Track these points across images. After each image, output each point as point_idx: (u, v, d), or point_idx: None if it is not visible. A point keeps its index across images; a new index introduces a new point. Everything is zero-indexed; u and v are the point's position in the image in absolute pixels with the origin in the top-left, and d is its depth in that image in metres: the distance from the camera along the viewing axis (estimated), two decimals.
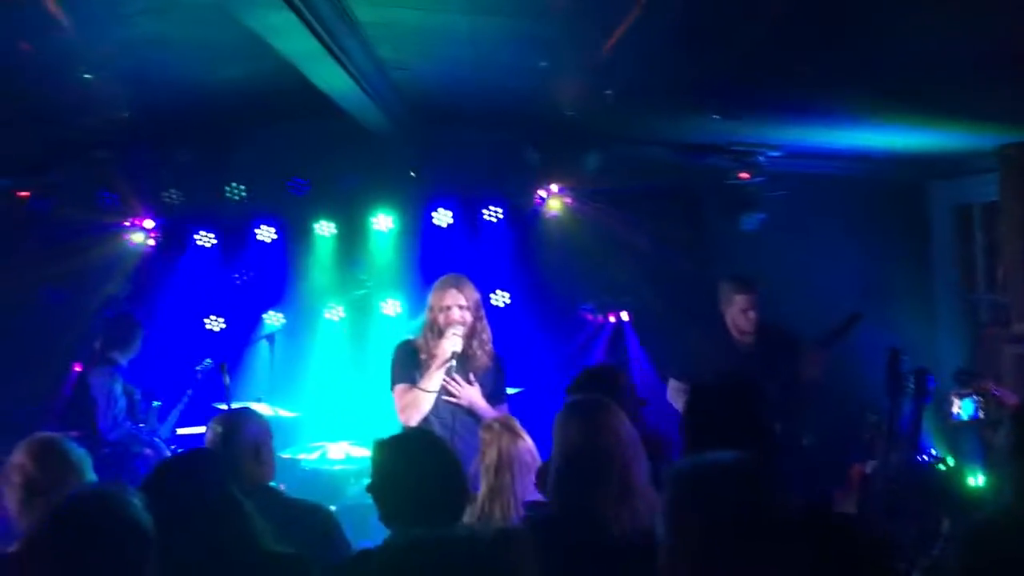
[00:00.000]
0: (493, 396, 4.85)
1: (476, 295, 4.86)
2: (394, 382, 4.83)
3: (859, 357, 5.79)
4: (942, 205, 7.45)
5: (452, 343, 4.69)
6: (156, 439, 5.87)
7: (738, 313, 5.51)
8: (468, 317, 4.77)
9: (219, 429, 3.65)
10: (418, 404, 4.69)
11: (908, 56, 3.89)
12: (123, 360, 5.93)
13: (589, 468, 2.99)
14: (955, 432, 5.92)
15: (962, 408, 5.57)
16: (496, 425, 3.97)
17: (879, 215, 7.35)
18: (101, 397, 5.69)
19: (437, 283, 4.88)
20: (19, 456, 3.20)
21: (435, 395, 4.71)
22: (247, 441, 3.60)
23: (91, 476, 3.26)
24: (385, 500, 2.90)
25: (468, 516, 3.61)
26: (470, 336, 4.78)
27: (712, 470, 1.93)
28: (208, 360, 6.47)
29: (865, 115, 5.18)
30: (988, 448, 5.66)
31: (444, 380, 4.71)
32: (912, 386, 4.88)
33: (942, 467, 6.21)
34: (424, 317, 4.88)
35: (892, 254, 7.31)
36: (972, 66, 3.91)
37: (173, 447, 6.20)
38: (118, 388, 5.73)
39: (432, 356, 4.73)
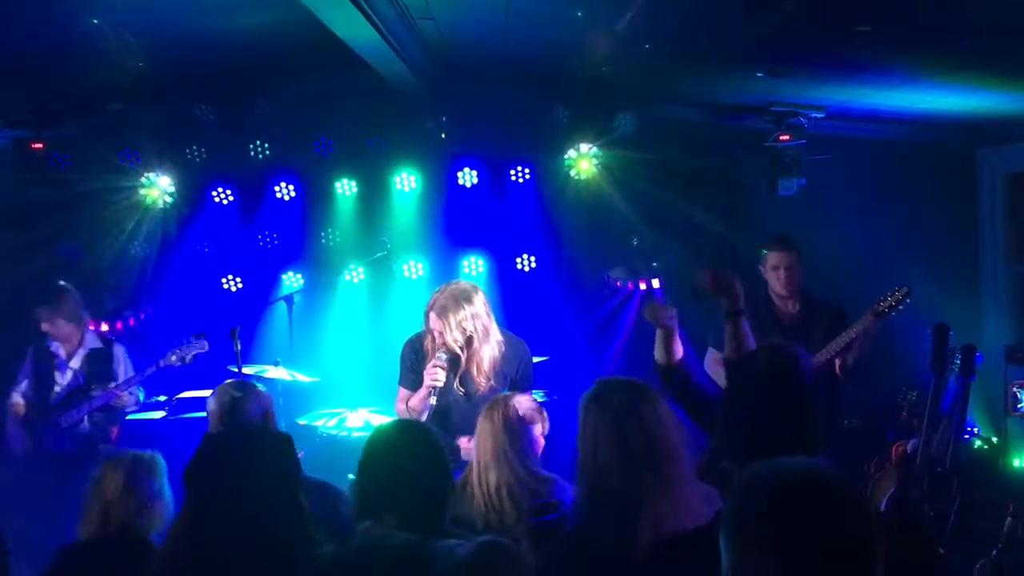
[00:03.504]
0: (517, 386, 4.61)
1: (463, 314, 4.43)
2: (399, 379, 4.74)
3: (898, 331, 5.53)
4: (993, 173, 7.11)
5: (434, 376, 4.40)
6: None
7: (769, 271, 5.29)
8: (455, 339, 4.45)
9: (236, 395, 3.52)
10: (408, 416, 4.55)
11: (990, 13, 3.55)
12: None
13: (614, 476, 2.68)
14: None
15: None
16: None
17: (925, 183, 7.04)
18: None
19: (431, 298, 4.57)
20: None
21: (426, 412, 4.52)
22: (256, 410, 3.45)
23: None
24: (363, 491, 2.74)
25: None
26: (458, 360, 4.50)
27: (791, 491, 1.54)
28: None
29: (929, 75, 4.84)
30: None
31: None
32: (958, 362, 4.70)
33: (987, 446, 6.00)
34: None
35: (937, 224, 7.00)
36: None
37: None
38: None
39: (427, 365, 4.52)
